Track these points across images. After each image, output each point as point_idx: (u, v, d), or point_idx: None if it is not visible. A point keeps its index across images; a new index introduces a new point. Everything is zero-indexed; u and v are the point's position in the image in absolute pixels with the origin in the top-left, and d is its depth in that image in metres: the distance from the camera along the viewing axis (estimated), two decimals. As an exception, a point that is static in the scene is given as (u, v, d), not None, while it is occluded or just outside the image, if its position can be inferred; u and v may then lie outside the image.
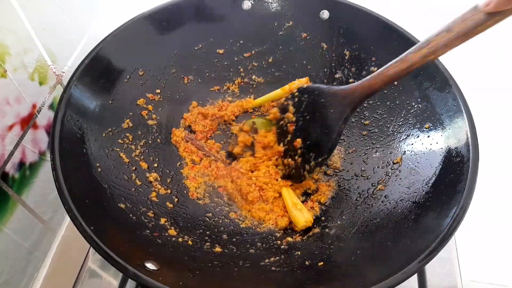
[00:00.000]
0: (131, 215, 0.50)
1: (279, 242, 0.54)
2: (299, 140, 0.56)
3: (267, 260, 0.50)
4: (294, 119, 0.57)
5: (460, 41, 0.38)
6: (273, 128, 0.62)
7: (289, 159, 0.58)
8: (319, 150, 0.54)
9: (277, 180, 0.60)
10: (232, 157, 0.66)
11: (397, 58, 0.45)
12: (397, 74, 0.44)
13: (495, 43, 0.82)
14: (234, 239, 0.54)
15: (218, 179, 0.62)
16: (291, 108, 0.57)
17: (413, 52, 0.43)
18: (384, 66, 0.46)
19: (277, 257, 0.50)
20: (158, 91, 0.66)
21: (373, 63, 0.64)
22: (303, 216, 0.55)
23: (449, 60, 0.57)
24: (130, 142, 0.59)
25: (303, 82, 0.69)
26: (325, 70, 0.69)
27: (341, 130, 0.52)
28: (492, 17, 0.35)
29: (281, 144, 0.59)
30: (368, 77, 0.48)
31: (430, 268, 0.57)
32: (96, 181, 0.50)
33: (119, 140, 0.58)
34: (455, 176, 0.47)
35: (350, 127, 0.66)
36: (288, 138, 0.57)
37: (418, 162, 0.54)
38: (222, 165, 0.64)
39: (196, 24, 0.67)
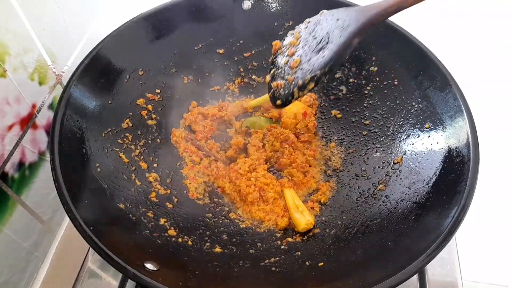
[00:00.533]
0: (130, 215, 0.50)
1: (279, 242, 0.54)
2: (297, 59, 0.48)
3: (267, 261, 0.50)
4: (298, 43, 0.50)
5: None
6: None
7: (279, 81, 0.51)
8: (319, 64, 0.46)
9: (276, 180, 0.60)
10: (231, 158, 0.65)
11: None
12: None
13: (496, 43, 0.82)
14: (234, 239, 0.54)
15: (218, 179, 0.62)
16: (297, 34, 0.50)
17: None
18: None
19: (277, 258, 0.50)
20: (158, 91, 0.66)
21: (373, 63, 0.64)
22: (304, 218, 0.55)
23: (449, 60, 0.57)
24: (129, 142, 0.59)
25: None
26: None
27: (349, 42, 0.44)
28: None
29: (271, 71, 0.53)
30: None
31: (431, 268, 0.57)
32: (96, 181, 0.50)
33: (119, 140, 0.58)
34: (455, 176, 0.47)
35: (350, 127, 0.66)
36: (285, 61, 0.51)
37: (418, 162, 0.54)
38: (222, 165, 0.64)
39: (196, 24, 0.67)
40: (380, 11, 0.43)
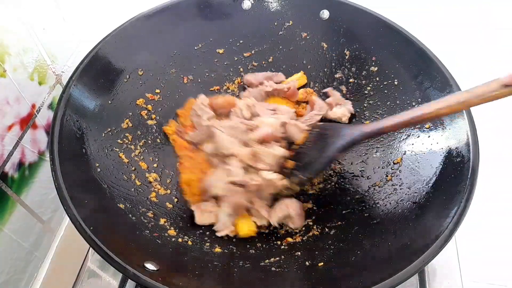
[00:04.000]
0: (130, 215, 0.50)
1: (279, 242, 0.54)
2: (291, 162, 0.57)
3: (267, 261, 0.50)
4: (297, 147, 0.59)
5: (477, 102, 0.41)
6: None
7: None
8: (306, 169, 0.55)
9: None
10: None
11: (414, 109, 0.46)
12: (408, 121, 0.46)
13: (496, 42, 0.82)
14: (234, 239, 0.54)
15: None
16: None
17: (427, 105, 0.45)
18: (397, 114, 0.47)
19: (277, 258, 0.50)
20: (157, 91, 0.65)
21: (373, 63, 0.64)
22: (247, 223, 0.55)
23: (449, 60, 0.56)
24: (129, 142, 0.59)
25: (298, 76, 0.69)
26: (325, 70, 0.69)
27: (333, 157, 0.54)
28: (509, 88, 0.39)
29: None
30: (380, 121, 0.49)
31: (431, 268, 0.57)
32: (96, 181, 0.50)
33: (119, 140, 0.58)
34: (455, 176, 0.47)
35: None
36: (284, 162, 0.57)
37: (418, 162, 0.54)
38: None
39: (196, 24, 0.67)
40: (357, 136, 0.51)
